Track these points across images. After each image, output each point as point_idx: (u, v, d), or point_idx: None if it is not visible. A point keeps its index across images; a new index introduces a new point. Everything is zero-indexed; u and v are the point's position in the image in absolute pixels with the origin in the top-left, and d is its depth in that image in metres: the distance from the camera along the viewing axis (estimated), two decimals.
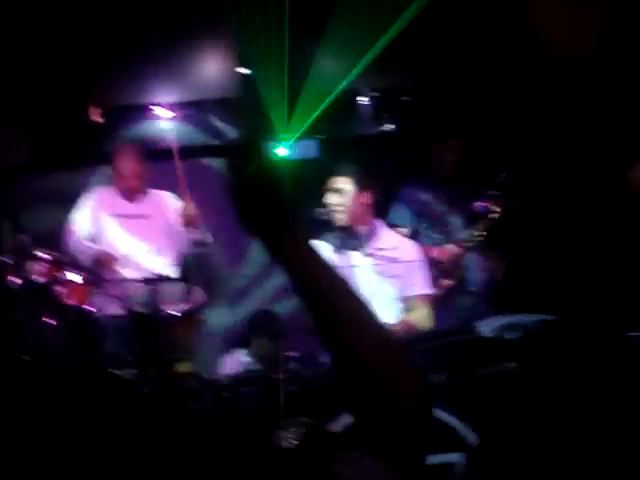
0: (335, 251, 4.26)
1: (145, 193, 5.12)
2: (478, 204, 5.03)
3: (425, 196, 5.25)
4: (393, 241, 4.32)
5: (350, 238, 4.23)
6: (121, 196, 5.08)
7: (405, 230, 5.15)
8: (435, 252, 4.92)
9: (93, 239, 4.94)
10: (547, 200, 5.41)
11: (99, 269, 4.74)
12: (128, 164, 5.02)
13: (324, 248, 4.24)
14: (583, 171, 5.43)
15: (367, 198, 4.25)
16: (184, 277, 4.49)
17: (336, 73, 6.12)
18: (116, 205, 5.05)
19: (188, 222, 4.91)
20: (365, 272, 4.21)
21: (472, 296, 5.01)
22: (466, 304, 4.96)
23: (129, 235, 4.98)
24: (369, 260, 4.21)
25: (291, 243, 1.36)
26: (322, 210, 4.22)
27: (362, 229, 4.26)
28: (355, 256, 4.25)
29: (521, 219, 5.12)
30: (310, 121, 5.86)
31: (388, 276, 4.23)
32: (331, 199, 4.23)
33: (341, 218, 4.21)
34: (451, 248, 4.99)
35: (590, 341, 3.27)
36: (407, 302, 4.28)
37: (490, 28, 5.70)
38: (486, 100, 5.83)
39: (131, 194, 5.09)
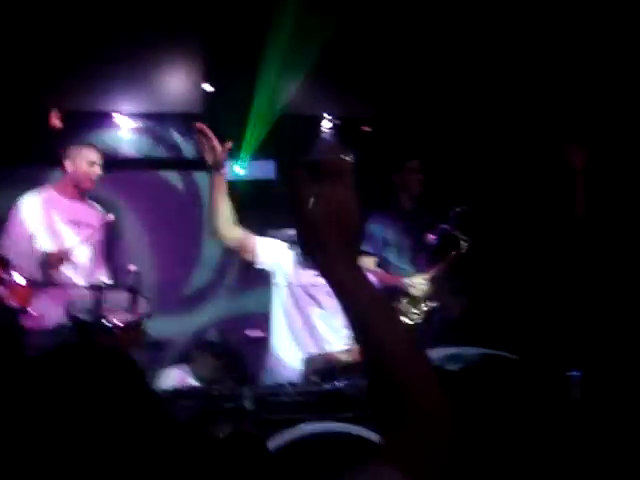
0: (299, 267, 4.29)
1: (86, 200, 5.09)
2: (430, 237, 5.10)
3: (392, 225, 5.30)
4: None
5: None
6: (68, 200, 5.00)
7: (372, 259, 5.21)
8: (400, 282, 5.04)
9: (40, 239, 4.86)
10: (502, 235, 5.50)
11: (48, 268, 4.66)
12: (85, 166, 4.96)
13: (287, 262, 4.27)
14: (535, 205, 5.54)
15: None
16: (130, 287, 4.42)
17: (289, 95, 6.19)
18: (65, 208, 4.96)
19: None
20: (323, 293, 4.24)
21: (432, 327, 5.06)
22: (426, 334, 5.00)
23: (78, 242, 4.91)
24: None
25: (344, 263, 1.35)
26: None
27: None
28: (310, 274, 4.28)
29: (476, 255, 5.19)
30: (264, 142, 5.91)
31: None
32: None
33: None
34: (419, 279, 5.06)
35: (528, 377, 3.31)
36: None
37: (451, 56, 5.79)
38: (445, 129, 5.92)
39: (79, 199, 5.03)
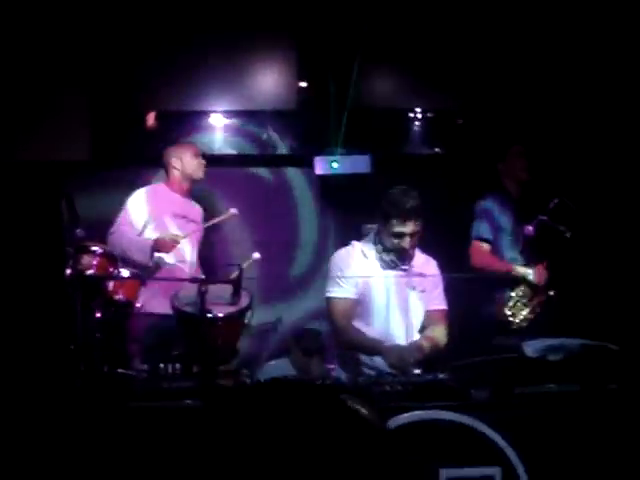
0: (383, 267, 4.29)
1: (189, 194, 5.24)
2: (528, 228, 5.06)
3: (504, 211, 5.25)
4: (420, 258, 4.37)
5: (399, 259, 4.26)
6: (176, 195, 5.17)
7: (487, 246, 5.19)
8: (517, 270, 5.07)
9: (147, 230, 5.03)
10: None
11: (156, 253, 4.82)
12: (193, 158, 5.14)
13: (370, 254, 4.29)
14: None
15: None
16: (232, 280, 4.53)
17: (387, 91, 6.23)
18: (172, 202, 5.13)
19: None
20: (401, 287, 4.26)
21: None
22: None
23: (174, 229, 5.05)
24: (403, 273, 4.25)
25: None
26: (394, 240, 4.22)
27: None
28: (393, 273, 4.29)
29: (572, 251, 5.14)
30: (359, 136, 5.97)
31: (419, 291, 4.28)
32: (409, 229, 4.20)
33: (409, 247, 4.22)
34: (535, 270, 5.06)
35: (628, 366, 3.27)
36: (427, 317, 4.31)
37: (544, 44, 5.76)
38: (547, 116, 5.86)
39: (186, 195, 5.19)
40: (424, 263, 4.37)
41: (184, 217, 5.13)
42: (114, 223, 5.02)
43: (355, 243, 4.38)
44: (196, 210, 5.25)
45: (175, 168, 5.16)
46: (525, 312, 5.08)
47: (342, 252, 4.39)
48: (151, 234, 4.99)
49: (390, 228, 4.16)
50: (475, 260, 5.15)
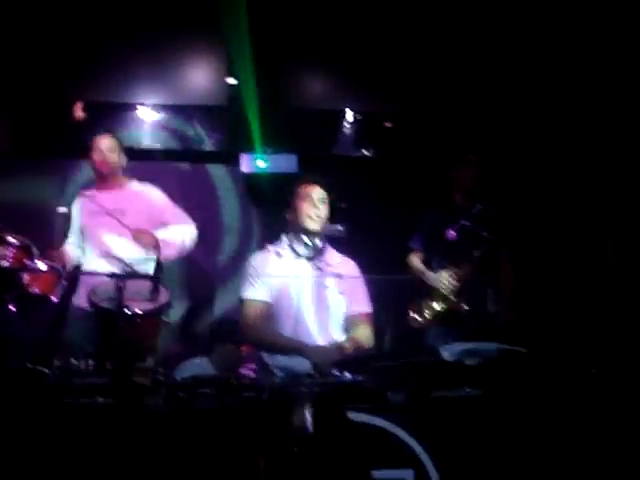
0: (295, 257, 4.31)
1: (122, 185, 5.10)
2: (450, 233, 5.11)
3: (444, 220, 5.27)
4: (337, 258, 4.40)
5: (311, 247, 4.28)
6: (102, 192, 5.05)
7: (418, 255, 5.30)
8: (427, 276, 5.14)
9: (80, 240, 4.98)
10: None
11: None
12: (104, 149, 5.00)
13: (284, 253, 4.31)
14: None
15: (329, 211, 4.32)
16: (152, 276, 4.46)
17: (315, 91, 6.23)
18: (99, 203, 4.99)
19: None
20: (319, 286, 4.26)
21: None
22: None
23: (106, 230, 4.95)
24: (318, 273, 4.27)
25: None
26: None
27: (321, 241, 4.31)
28: (307, 267, 4.29)
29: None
30: (287, 135, 5.96)
31: (339, 292, 4.30)
32: (318, 209, 4.25)
33: (318, 227, 4.26)
34: (445, 275, 5.13)
35: (546, 373, 3.31)
36: (350, 319, 4.33)
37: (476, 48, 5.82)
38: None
39: (108, 184, 5.05)
40: (341, 263, 4.39)
41: (110, 212, 4.94)
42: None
43: (269, 247, 4.40)
44: (127, 197, 5.05)
45: (91, 165, 5.07)
46: (427, 312, 5.15)
47: (258, 256, 4.41)
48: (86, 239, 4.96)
49: (297, 195, 4.27)
50: (407, 266, 5.29)
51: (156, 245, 4.89)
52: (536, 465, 3.30)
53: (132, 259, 4.81)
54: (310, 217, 4.25)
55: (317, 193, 4.29)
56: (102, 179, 5.05)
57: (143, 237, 4.89)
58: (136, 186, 5.12)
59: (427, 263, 5.30)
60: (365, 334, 4.31)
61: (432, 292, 5.18)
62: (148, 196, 5.10)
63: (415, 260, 5.32)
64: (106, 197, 5.02)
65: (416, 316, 5.17)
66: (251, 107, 5.95)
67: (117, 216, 4.93)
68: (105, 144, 5.01)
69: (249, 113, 5.97)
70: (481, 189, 5.31)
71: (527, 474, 3.34)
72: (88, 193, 5.11)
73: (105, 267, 4.77)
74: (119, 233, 4.92)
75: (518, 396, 3.41)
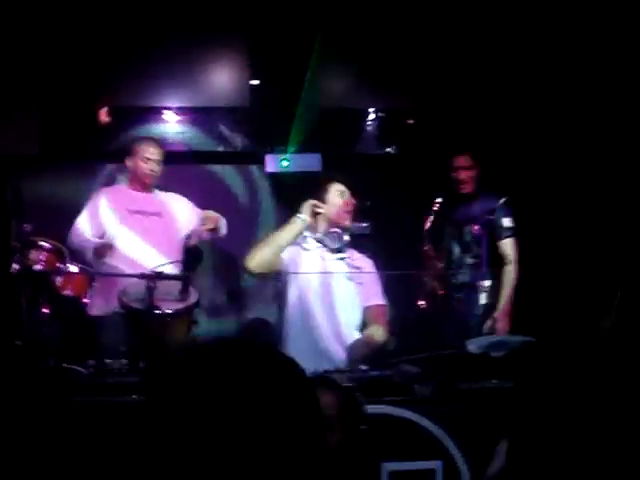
0: (324, 250, 4.42)
1: (154, 192, 5.19)
2: (475, 228, 5.12)
3: (452, 216, 5.28)
4: (356, 254, 4.53)
5: (337, 240, 4.39)
6: (133, 192, 5.14)
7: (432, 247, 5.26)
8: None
9: (100, 235, 4.98)
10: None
11: (97, 259, 4.80)
12: (152, 159, 5.07)
13: (310, 247, 4.42)
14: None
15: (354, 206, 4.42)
16: (181, 276, 4.54)
17: (337, 90, 6.27)
18: (129, 201, 5.08)
19: (211, 229, 4.98)
20: (342, 276, 4.38)
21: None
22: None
23: (137, 232, 5.01)
24: (342, 265, 4.37)
25: None
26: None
27: (345, 235, 4.42)
28: (333, 258, 4.38)
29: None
30: (310, 135, 6.00)
31: (357, 282, 4.38)
32: (335, 199, 4.37)
33: (349, 223, 4.38)
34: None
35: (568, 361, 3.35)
36: (366, 312, 4.41)
37: (495, 46, 5.82)
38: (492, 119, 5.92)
39: (145, 190, 5.14)
40: (360, 259, 4.52)
41: (141, 212, 5.06)
42: (74, 223, 4.99)
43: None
44: (158, 203, 5.16)
45: (129, 168, 5.15)
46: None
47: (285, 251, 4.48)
48: (108, 233, 4.98)
49: (330, 192, 4.40)
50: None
51: (216, 228, 5.00)
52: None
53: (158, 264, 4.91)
54: (346, 212, 4.38)
55: (346, 190, 4.41)
56: (138, 183, 5.14)
57: (208, 217, 4.97)
58: (163, 194, 5.22)
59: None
60: (377, 330, 4.38)
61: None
62: (177, 203, 5.20)
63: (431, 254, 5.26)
64: (139, 199, 5.12)
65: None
66: (274, 108, 6.01)
67: (153, 218, 5.05)
68: (154, 154, 5.09)
69: (272, 114, 6.03)
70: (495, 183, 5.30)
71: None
72: (118, 187, 5.21)
73: (133, 265, 4.86)
74: (150, 238, 5.02)
75: (544, 387, 3.45)
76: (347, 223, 4.41)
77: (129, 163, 5.12)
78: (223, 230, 5.07)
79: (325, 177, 4.51)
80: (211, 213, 5.02)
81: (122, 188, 5.23)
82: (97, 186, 5.63)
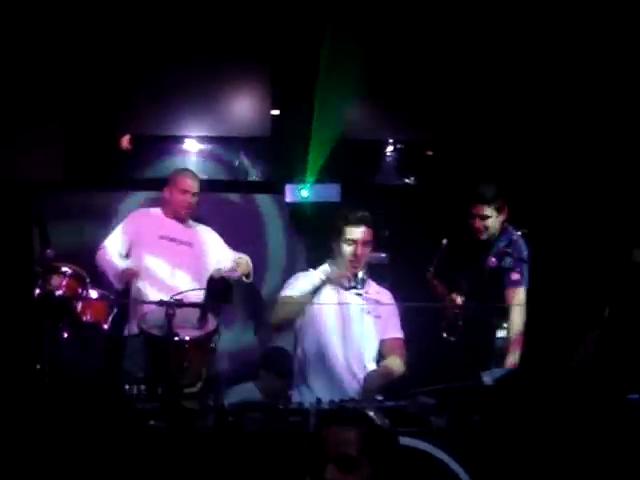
0: (336, 290, 4.47)
1: (188, 221, 5.27)
2: (492, 260, 5.11)
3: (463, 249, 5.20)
4: (374, 286, 4.56)
5: (348, 282, 4.42)
6: (169, 220, 5.21)
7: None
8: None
9: (127, 254, 5.06)
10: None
11: (122, 284, 4.85)
12: (190, 191, 5.17)
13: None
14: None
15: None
16: (199, 304, 4.58)
17: (357, 121, 6.32)
18: (161, 227, 5.17)
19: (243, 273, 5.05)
20: (358, 310, 4.41)
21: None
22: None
23: (165, 258, 5.09)
24: (359, 299, 4.40)
25: None
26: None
27: (364, 274, 4.45)
28: (349, 295, 4.42)
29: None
30: (330, 165, 6.05)
31: (374, 316, 4.41)
32: (346, 249, 4.39)
33: (360, 254, 4.40)
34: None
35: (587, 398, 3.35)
36: (383, 345, 4.43)
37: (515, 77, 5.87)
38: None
39: (180, 219, 5.22)
40: (378, 292, 4.55)
41: (172, 240, 5.14)
42: (100, 245, 5.07)
43: (312, 270, 4.52)
44: (190, 233, 5.24)
45: (165, 197, 5.23)
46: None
47: (300, 274, 4.58)
48: (135, 256, 5.05)
49: (342, 236, 4.39)
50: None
51: (248, 275, 5.08)
52: None
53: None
54: (354, 261, 4.38)
55: (362, 236, 4.41)
56: (172, 212, 5.21)
57: (241, 263, 5.05)
58: (197, 225, 5.31)
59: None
60: (397, 362, 4.41)
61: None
62: (209, 237, 5.28)
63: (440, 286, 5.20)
64: (174, 227, 5.19)
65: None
66: (293, 138, 6.07)
67: (183, 247, 5.12)
68: (192, 187, 5.19)
69: (291, 144, 6.09)
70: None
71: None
72: (153, 212, 5.30)
73: (154, 292, 4.91)
74: (178, 266, 5.08)
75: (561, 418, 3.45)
76: (359, 270, 4.41)
77: (166, 193, 5.20)
78: (251, 277, 5.14)
79: (340, 219, 4.48)
80: (244, 259, 5.09)
81: (157, 214, 5.28)
82: (123, 212, 5.67)
